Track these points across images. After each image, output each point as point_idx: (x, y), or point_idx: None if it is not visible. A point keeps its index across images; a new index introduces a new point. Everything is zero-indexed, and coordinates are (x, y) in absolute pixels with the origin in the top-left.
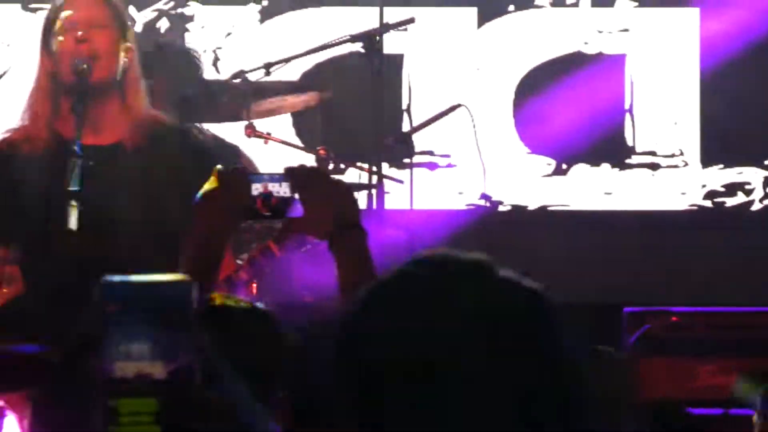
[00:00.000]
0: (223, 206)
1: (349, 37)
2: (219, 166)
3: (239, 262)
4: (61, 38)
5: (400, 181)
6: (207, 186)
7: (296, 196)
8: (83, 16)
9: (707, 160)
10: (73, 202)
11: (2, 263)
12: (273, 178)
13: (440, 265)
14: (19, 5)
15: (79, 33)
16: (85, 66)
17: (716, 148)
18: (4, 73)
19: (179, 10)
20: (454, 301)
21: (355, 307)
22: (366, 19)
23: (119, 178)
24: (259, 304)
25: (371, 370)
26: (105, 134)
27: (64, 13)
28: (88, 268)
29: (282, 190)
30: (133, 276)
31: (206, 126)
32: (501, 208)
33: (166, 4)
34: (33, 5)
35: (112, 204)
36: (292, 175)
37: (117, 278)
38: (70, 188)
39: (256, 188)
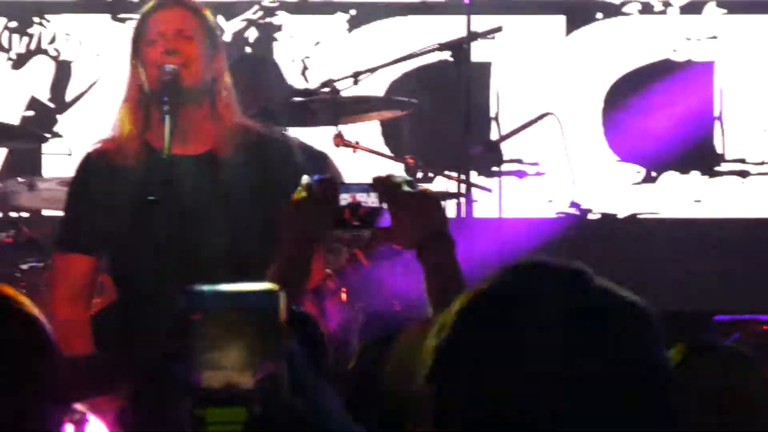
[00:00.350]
0: (311, 216)
1: (437, 45)
2: (307, 177)
3: (328, 271)
4: (150, 49)
5: (489, 190)
6: (295, 196)
7: (384, 206)
8: (172, 27)
9: None
10: (162, 209)
11: (94, 273)
12: (361, 188)
13: (537, 273)
14: (108, 16)
15: (169, 44)
16: (174, 68)
17: None
18: (94, 82)
19: (268, 20)
20: (553, 309)
21: (452, 316)
22: (454, 27)
23: (210, 186)
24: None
25: (472, 379)
26: (196, 143)
27: (154, 24)
28: (179, 277)
29: (370, 200)
30: (222, 285)
31: (294, 134)
32: (590, 216)
33: (254, 13)
34: (122, 15)
35: (203, 213)
36: (380, 185)
37: (205, 287)
38: (158, 197)
39: (344, 198)
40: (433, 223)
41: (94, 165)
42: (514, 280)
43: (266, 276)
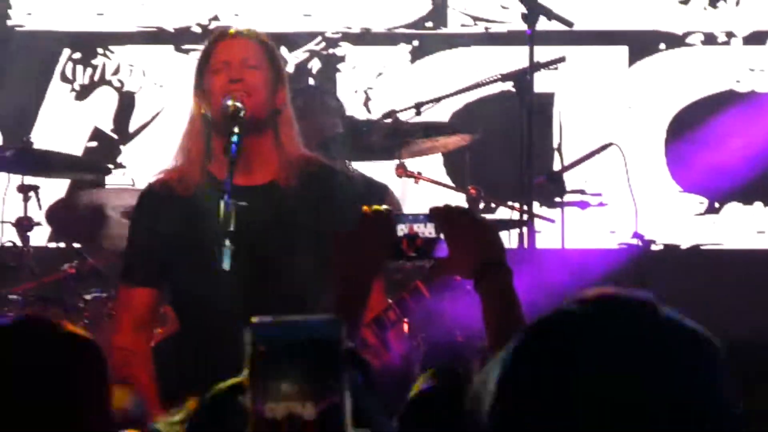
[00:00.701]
0: (368, 247)
1: (499, 76)
2: (365, 208)
3: (389, 302)
4: (214, 78)
5: (552, 220)
6: (353, 226)
7: (441, 236)
8: (237, 56)
9: None
10: (227, 242)
11: (155, 305)
12: (418, 218)
13: (605, 303)
14: (172, 47)
15: (233, 73)
16: (239, 105)
17: None
18: (158, 113)
19: (330, 51)
20: (620, 340)
21: (516, 346)
22: (516, 58)
23: (272, 217)
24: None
25: (540, 410)
26: (258, 174)
27: (218, 53)
28: (241, 307)
29: (427, 230)
30: (283, 316)
31: (356, 165)
32: (653, 247)
33: (317, 44)
34: (186, 46)
35: (265, 243)
36: (437, 215)
37: (267, 319)
38: (224, 228)
39: (402, 229)
40: (489, 253)
41: (156, 196)
42: (582, 310)
43: (325, 306)
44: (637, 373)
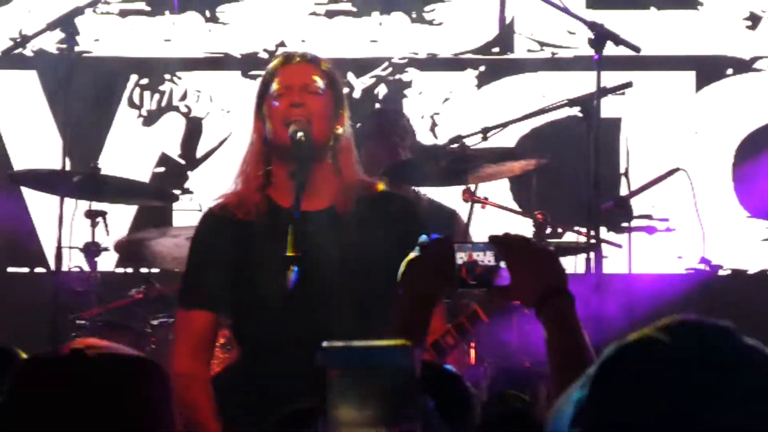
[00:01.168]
0: (428, 275)
1: (566, 101)
2: (424, 238)
3: (448, 327)
4: (276, 102)
5: (619, 245)
6: (412, 254)
7: (501, 264)
8: (299, 81)
9: None
10: (292, 267)
11: (214, 328)
12: (477, 246)
13: (687, 331)
14: (239, 72)
15: (295, 97)
16: (302, 134)
17: None
18: (225, 139)
19: (397, 76)
20: (701, 366)
21: (597, 368)
22: (583, 83)
23: (332, 242)
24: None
25: None
26: (317, 199)
27: (281, 78)
28: (304, 332)
29: (486, 258)
30: (354, 342)
31: (424, 190)
32: (721, 272)
33: (384, 70)
34: (252, 72)
35: (326, 268)
36: (497, 243)
37: (338, 344)
38: (288, 254)
39: (461, 257)
40: (551, 280)
41: (216, 220)
42: (664, 337)
43: (386, 332)
44: (720, 400)
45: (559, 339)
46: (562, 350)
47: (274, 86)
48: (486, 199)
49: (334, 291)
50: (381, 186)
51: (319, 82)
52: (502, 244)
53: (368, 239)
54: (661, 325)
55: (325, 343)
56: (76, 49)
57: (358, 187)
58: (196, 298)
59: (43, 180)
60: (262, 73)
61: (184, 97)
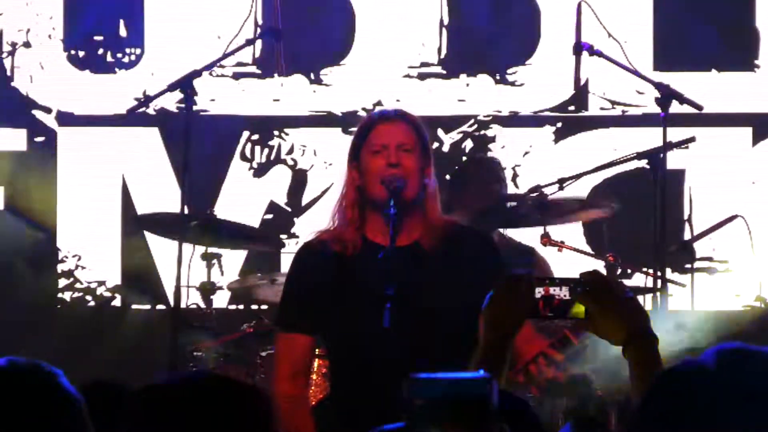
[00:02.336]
0: (508, 308)
1: (635, 154)
2: (505, 272)
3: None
4: (373, 159)
5: (683, 285)
6: (494, 290)
7: (576, 299)
8: (395, 140)
9: None
10: (385, 304)
11: (312, 351)
12: (554, 281)
13: (732, 358)
14: (340, 129)
15: (391, 157)
16: (399, 185)
17: None
18: (328, 188)
19: (482, 132)
20: (752, 391)
21: (648, 395)
22: (650, 137)
23: (417, 276)
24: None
25: None
26: (403, 236)
27: (377, 135)
28: (394, 363)
29: (562, 293)
30: (438, 373)
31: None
32: None
33: (470, 126)
34: (352, 129)
35: (413, 302)
36: (586, 281)
37: (423, 375)
38: (384, 291)
39: (539, 291)
40: (637, 323)
41: (313, 251)
42: (713, 362)
43: (468, 363)
44: (759, 428)
45: (645, 376)
46: (645, 388)
47: (371, 142)
48: (562, 242)
49: (422, 324)
50: (461, 223)
51: (411, 139)
52: (588, 282)
53: (452, 274)
54: (707, 352)
55: (410, 375)
56: (194, 108)
57: (441, 225)
58: (294, 321)
59: (165, 224)
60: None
61: (290, 151)
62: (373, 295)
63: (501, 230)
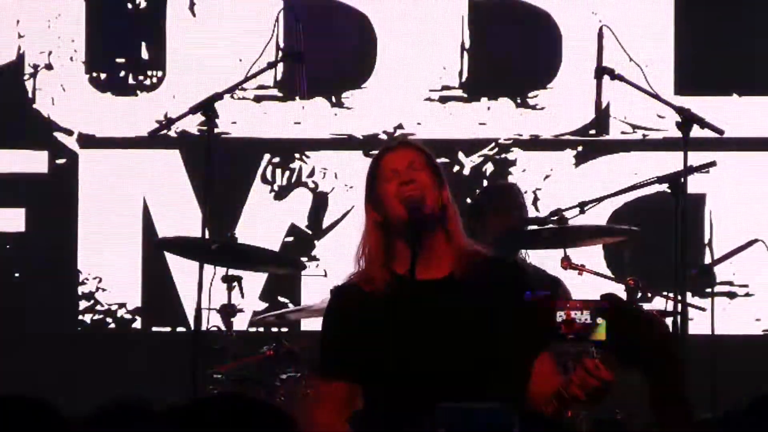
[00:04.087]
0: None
1: (656, 178)
2: (527, 295)
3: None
4: (387, 185)
5: (703, 309)
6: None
7: (598, 321)
8: (404, 163)
9: None
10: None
11: (352, 398)
12: (575, 306)
13: None
14: (360, 152)
15: (403, 177)
16: (417, 198)
17: None
18: (348, 211)
19: (503, 155)
20: None
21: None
22: (671, 162)
23: (453, 308)
24: None
25: None
26: (436, 269)
27: (386, 164)
28: (429, 397)
29: (583, 317)
30: (465, 403)
31: (529, 259)
32: None
33: (491, 150)
34: (373, 152)
35: (448, 334)
36: (610, 305)
37: (451, 405)
38: (419, 323)
39: (560, 315)
40: (660, 347)
41: (346, 295)
42: None
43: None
44: None
45: (664, 396)
46: (665, 407)
47: (382, 172)
48: (583, 266)
49: (456, 356)
50: (489, 253)
51: (421, 161)
52: (610, 305)
53: (482, 304)
54: None
55: (439, 405)
56: (216, 130)
57: (471, 254)
58: (333, 369)
59: (186, 247)
60: None
61: (311, 174)
62: (405, 331)
63: (524, 256)
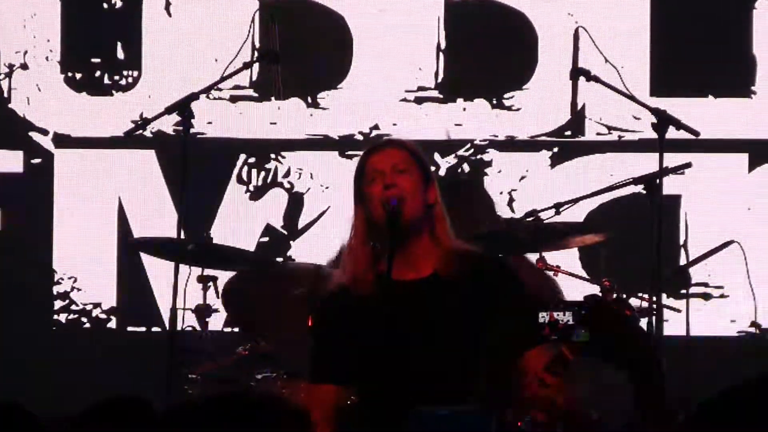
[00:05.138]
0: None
1: (631, 179)
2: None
3: None
4: (371, 187)
5: (678, 310)
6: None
7: (579, 323)
8: (388, 164)
9: None
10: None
11: (342, 401)
12: (557, 306)
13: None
14: (336, 152)
15: (386, 179)
16: (395, 205)
17: None
18: (324, 212)
19: (479, 156)
20: None
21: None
22: (647, 163)
23: (436, 306)
24: None
25: None
26: (422, 268)
27: (371, 165)
28: (409, 396)
29: (566, 317)
30: (442, 407)
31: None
32: None
33: (466, 151)
34: (349, 152)
35: (432, 332)
36: (589, 306)
37: (427, 409)
38: (404, 322)
39: (543, 316)
40: (641, 346)
41: (334, 300)
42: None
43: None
44: None
45: (647, 400)
46: (649, 410)
47: (367, 173)
48: (558, 267)
49: (440, 355)
50: (478, 251)
51: (405, 162)
52: (591, 306)
53: (468, 301)
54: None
55: (414, 409)
56: (191, 130)
57: (458, 253)
58: (323, 374)
59: (161, 247)
60: (357, 153)
61: (287, 175)
62: (396, 329)
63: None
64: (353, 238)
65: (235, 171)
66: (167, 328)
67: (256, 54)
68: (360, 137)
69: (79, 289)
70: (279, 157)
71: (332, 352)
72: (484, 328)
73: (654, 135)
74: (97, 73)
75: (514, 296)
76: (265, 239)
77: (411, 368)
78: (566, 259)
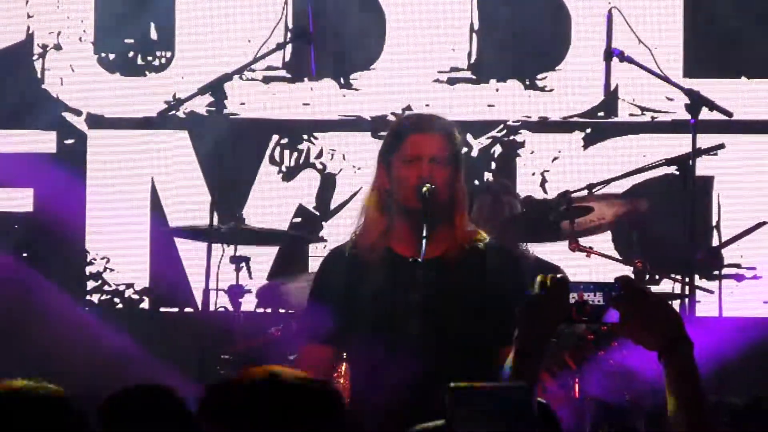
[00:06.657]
0: (545, 313)
1: (664, 160)
2: (541, 276)
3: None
4: (405, 169)
5: (711, 291)
6: (531, 294)
7: (609, 304)
8: (428, 153)
9: None
10: (415, 311)
11: (332, 362)
12: (588, 287)
13: None
14: (369, 133)
15: (423, 171)
16: (429, 192)
17: None
18: (356, 193)
19: (512, 137)
20: None
21: None
22: (680, 144)
23: (440, 286)
24: None
25: None
26: (430, 249)
27: (411, 145)
28: (416, 369)
29: (596, 298)
30: (478, 383)
31: (532, 246)
32: None
33: (499, 132)
34: (381, 133)
35: (438, 311)
36: (620, 287)
37: (463, 384)
38: (414, 299)
39: (572, 297)
40: (673, 328)
41: (339, 260)
42: None
43: (495, 367)
44: None
45: (681, 382)
46: (682, 392)
47: (404, 151)
48: (591, 248)
49: (445, 332)
50: (486, 237)
51: (444, 152)
52: (623, 287)
53: (472, 284)
54: None
55: (452, 384)
56: (224, 111)
57: (467, 238)
58: (315, 333)
59: (194, 230)
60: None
61: (319, 155)
62: (397, 304)
63: (524, 246)
64: (370, 202)
65: (268, 152)
66: (200, 309)
67: (289, 35)
68: (392, 118)
69: (111, 270)
70: (311, 138)
71: (330, 313)
72: (481, 311)
73: (687, 116)
74: (131, 54)
75: (513, 286)
76: (298, 219)
77: (408, 342)
78: (599, 241)
